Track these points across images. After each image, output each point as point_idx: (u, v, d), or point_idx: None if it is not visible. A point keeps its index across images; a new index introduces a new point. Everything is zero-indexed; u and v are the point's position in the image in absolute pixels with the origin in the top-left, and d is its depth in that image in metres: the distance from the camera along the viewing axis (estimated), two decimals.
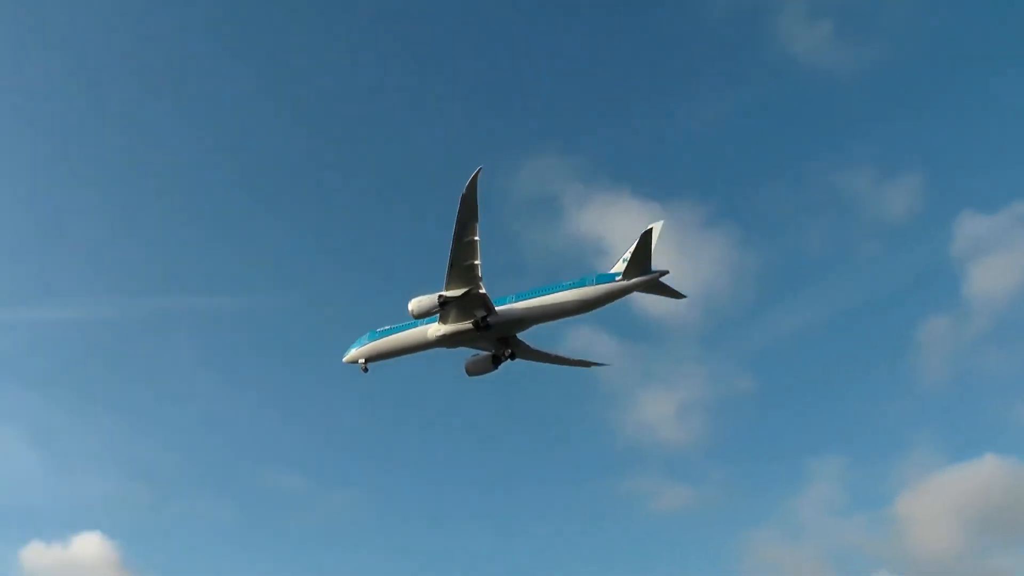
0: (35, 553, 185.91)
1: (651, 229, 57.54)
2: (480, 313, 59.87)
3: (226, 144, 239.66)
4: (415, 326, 65.58)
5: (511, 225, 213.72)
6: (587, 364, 70.31)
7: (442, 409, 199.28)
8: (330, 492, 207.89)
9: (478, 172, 54.83)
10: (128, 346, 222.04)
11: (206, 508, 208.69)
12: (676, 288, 61.19)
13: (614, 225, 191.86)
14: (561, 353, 68.81)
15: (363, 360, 67.14)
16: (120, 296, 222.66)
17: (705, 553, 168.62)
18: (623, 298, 61.70)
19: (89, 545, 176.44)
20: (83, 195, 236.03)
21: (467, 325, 60.83)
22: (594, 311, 61.33)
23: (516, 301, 61.78)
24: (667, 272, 59.34)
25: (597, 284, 59.17)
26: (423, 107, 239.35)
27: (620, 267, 60.16)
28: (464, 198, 55.46)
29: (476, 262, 57.80)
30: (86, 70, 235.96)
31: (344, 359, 69.60)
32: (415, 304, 60.50)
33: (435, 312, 60.75)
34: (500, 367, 66.25)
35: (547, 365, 65.78)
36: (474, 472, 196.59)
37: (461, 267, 57.82)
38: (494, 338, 63.92)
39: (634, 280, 57.87)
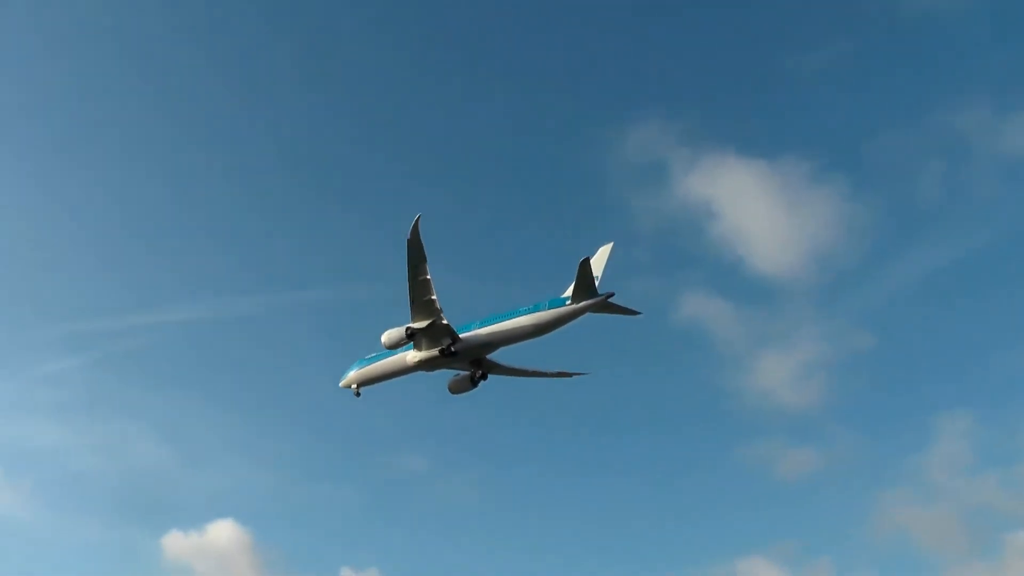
0: (175, 541, 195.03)
1: (587, 259, 61.55)
2: (446, 341, 64.07)
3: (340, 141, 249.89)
4: (396, 354, 69.96)
5: (620, 194, 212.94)
6: (567, 375, 73.81)
7: (555, 389, 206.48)
8: (451, 474, 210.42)
9: (417, 219, 59.69)
10: (247, 342, 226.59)
11: (332, 492, 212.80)
12: (628, 306, 65.22)
13: (722, 187, 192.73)
14: (538, 368, 71.73)
15: (355, 385, 72.27)
16: (236, 296, 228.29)
17: (834, 518, 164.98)
18: (580, 317, 65.07)
19: (224, 531, 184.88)
20: (194, 202, 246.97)
21: (435, 352, 65.05)
22: (554, 330, 64.73)
23: (480, 327, 65.49)
24: (613, 294, 62.85)
25: (550, 309, 62.49)
26: (519, 84, 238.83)
27: (598, 275, 63.82)
28: (409, 243, 60.55)
29: (433, 297, 62.56)
30: (234, 71, 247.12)
31: (340, 384, 74.17)
32: (386, 336, 65.23)
33: (404, 343, 65.65)
34: (479, 385, 70.63)
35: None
36: (591, 451, 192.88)
37: (421, 303, 62.50)
38: (466, 360, 67.94)
39: (583, 304, 61.07)
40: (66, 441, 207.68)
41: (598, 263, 63.69)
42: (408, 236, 60.09)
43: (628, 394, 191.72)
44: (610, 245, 64.30)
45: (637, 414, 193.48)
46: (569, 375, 73.88)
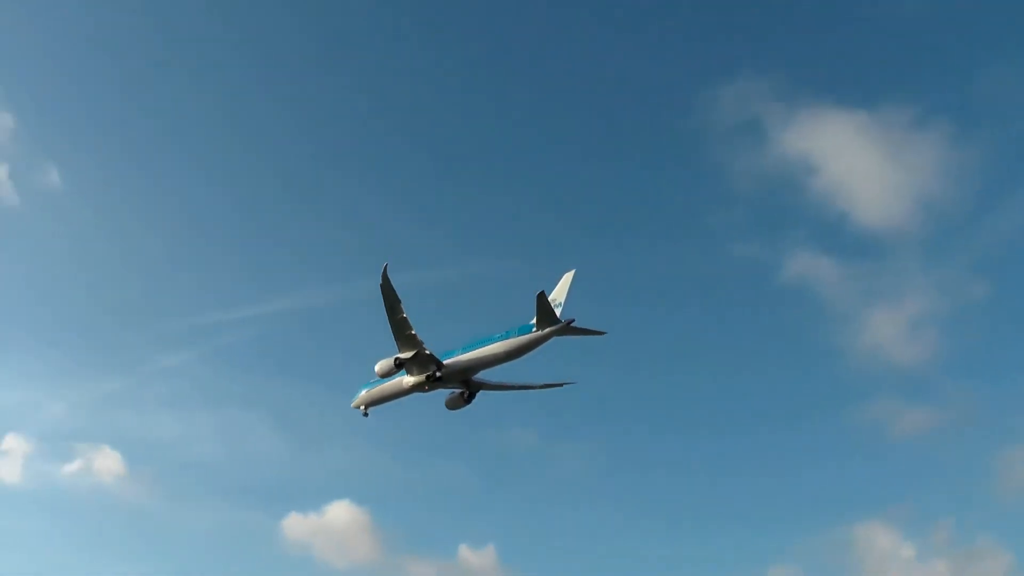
0: (294, 523, 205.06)
1: (543, 293, 66.79)
2: (431, 368, 70.97)
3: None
4: (395, 379, 76.83)
5: (716, 156, 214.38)
6: (555, 385, 79.09)
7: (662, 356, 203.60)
8: (561, 446, 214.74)
9: (385, 267, 66.64)
10: (356, 326, 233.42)
11: (445, 470, 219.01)
12: (593, 327, 70.24)
13: (821, 140, 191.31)
14: (525, 381, 78.07)
15: (364, 407, 79.56)
16: (335, 284, 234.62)
17: (955, 478, 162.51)
18: (550, 341, 70.45)
19: (341, 512, 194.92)
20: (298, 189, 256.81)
21: (423, 378, 72.24)
22: (525, 354, 70.56)
23: (461, 353, 71.99)
24: (573, 320, 67.84)
25: (519, 336, 67.97)
26: (611, 50, 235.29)
27: (559, 303, 69.06)
28: (382, 288, 67.12)
29: (412, 332, 69.22)
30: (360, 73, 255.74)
31: (351, 405, 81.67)
32: (379, 366, 72.31)
33: (395, 372, 72.37)
34: (471, 402, 76.90)
35: None
36: (702, 418, 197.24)
37: (403, 337, 69.15)
38: (455, 381, 74.61)
39: (547, 331, 66.23)
40: (186, 431, 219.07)
41: (561, 289, 68.80)
42: (380, 282, 66.95)
43: (737, 359, 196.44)
44: (572, 272, 69.86)
45: (747, 379, 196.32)
46: (557, 385, 78.90)
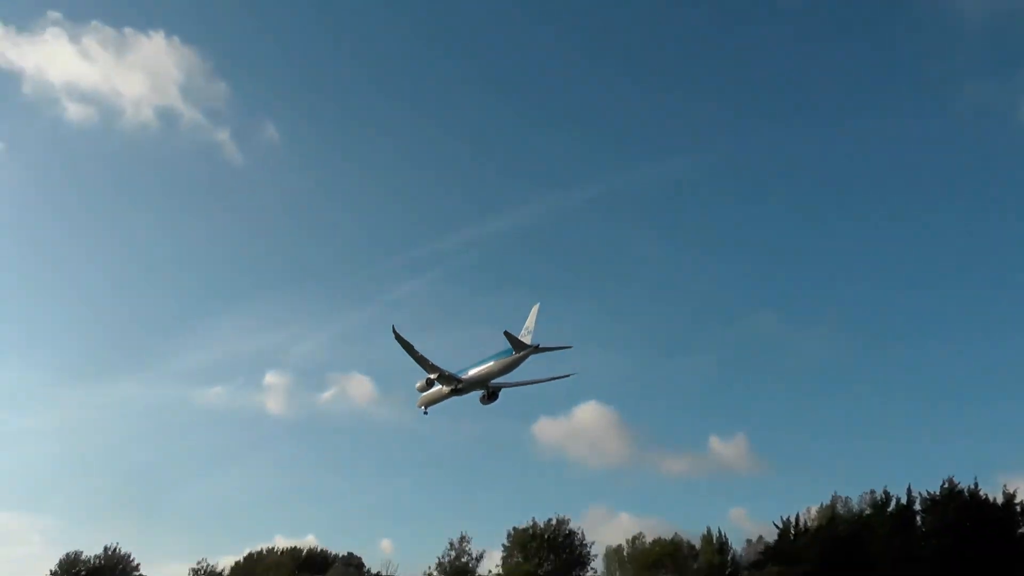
0: (545, 427, 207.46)
1: (507, 332, 76.27)
2: (454, 383, 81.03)
3: None
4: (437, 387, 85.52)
5: None
6: (558, 377, 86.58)
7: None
8: (806, 331, 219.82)
9: (393, 327, 77.23)
10: (574, 234, 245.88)
11: (688, 363, 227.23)
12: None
13: None
14: (536, 378, 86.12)
15: (424, 407, 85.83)
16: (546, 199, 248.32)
17: None
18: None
19: (589, 413, 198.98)
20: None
21: (449, 389, 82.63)
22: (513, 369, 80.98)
23: (472, 370, 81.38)
24: (539, 345, 77.67)
25: (505, 358, 78.13)
26: None
27: (526, 339, 78.68)
28: (397, 340, 77.80)
29: (431, 363, 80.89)
30: None
31: (416, 405, 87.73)
32: (418, 384, 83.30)
33: (430, 387, 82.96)
34: (496, 399, 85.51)
35: None
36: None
37: (427, 367, 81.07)
38: (477, 388, 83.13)
39: (522, 353, 76.73)
40: (429, 351, 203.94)
41: (531, 319, 78.48)
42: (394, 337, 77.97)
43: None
44: (537, 305, 79.35)
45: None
46: (561, 377, 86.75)
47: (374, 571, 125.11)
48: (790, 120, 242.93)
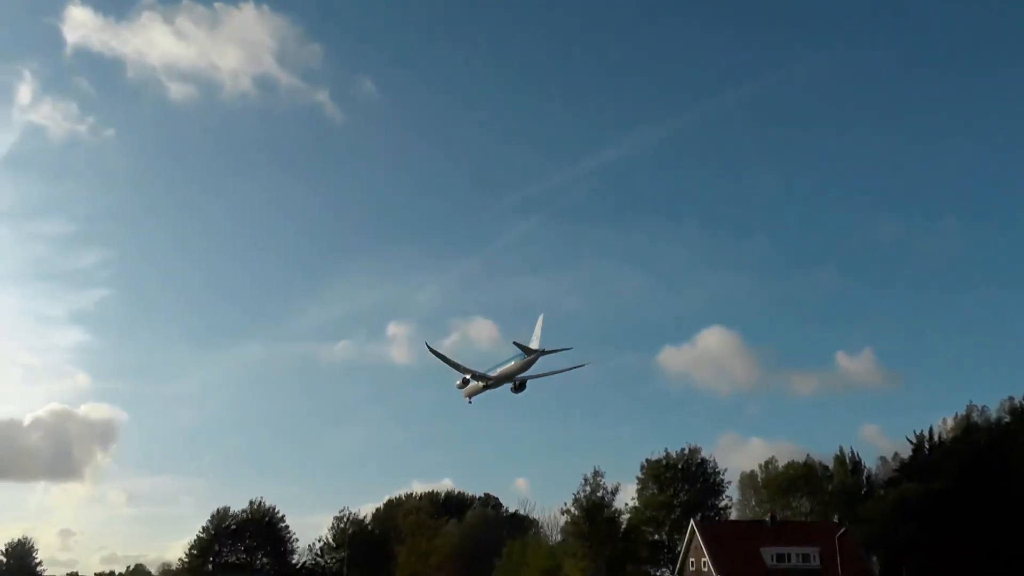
0: (669, 356, 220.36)
1: (516, 342, 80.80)
2: (486, 380, 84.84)
3: None
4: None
5: None
6: (574, 368, 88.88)
7: None
8: (929, 229, 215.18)
9: (426, 344, 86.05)
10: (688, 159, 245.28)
11: (809, 278, 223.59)
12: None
13: None
14: (553, 369, 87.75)
15: (469, 398, 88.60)
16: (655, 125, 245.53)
17: None
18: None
19: (713, 338, 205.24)
20: None
21: (483, 384, 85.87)
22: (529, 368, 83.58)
23: (497, 369, 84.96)
24: (544, 350, 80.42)
25: (521, 359, 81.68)
26: None
27: (534, 344, 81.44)
28: (433, 354, 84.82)
29: (462, 366, 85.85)
30: None
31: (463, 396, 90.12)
32: (457, 384, 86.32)
33: (466, 384, 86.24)
34: (524, 389, 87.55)
35: None
36: None
37: (462, 369, 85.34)
38: (505, 383, 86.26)
39: (532, 356, 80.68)
40: (549, 289, 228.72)
41: (537, 329, 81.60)
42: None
43: None
44: (542, 316, 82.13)
45: None
46: (576, 367, 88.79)
47: (511, 510, 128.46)
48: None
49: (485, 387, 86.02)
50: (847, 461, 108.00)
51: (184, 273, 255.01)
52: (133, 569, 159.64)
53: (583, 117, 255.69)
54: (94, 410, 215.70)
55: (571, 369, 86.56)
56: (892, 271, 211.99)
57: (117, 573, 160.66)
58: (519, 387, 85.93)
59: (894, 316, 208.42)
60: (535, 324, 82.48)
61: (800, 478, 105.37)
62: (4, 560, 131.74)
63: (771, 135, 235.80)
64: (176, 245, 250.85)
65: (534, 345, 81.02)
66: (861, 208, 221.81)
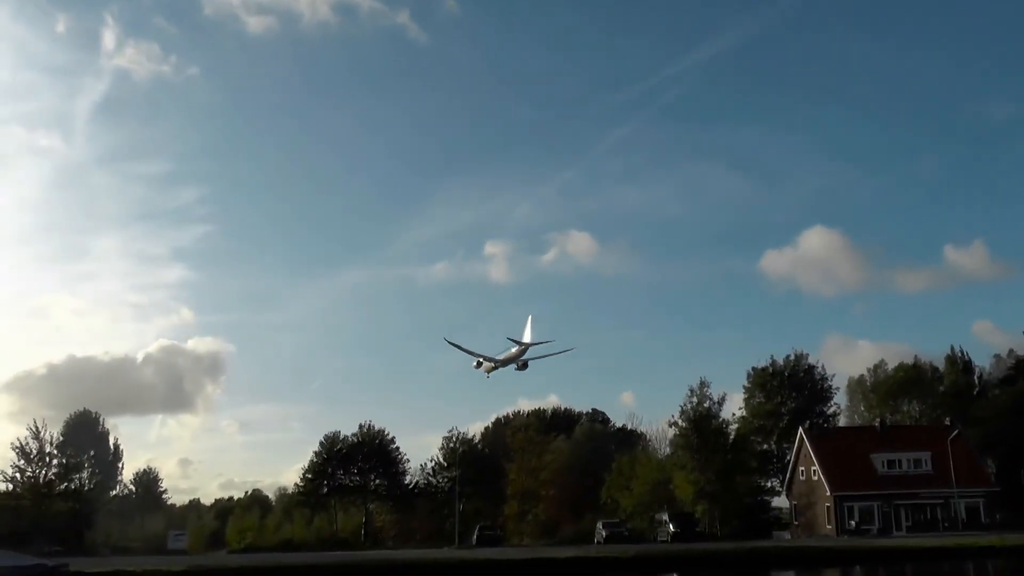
0: (772, 260, 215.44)
1: (509, 336, 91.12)
2: (494, 362, 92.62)
3: None
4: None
5: None
6: (566, 351, 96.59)
7: None
8: None
9: (445, 339, 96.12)
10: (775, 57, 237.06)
11: (915, 169, 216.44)
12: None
13: None
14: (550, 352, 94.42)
15: (487, 373, 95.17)
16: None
17: None
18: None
19: (816, 239, 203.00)
20: None
21: (494, 364, 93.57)
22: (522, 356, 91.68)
23: (503, 353, 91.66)
24: (532, 343, 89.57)
25: (519, 347, 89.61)
26: None
27: (526, 338, 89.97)
28: (452, 345, 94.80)
29: (473, 352, 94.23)
30: None
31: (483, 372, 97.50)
32: (473, 365, 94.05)
33: (479, 367, 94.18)
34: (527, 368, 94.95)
35: None
36: None
37: (475, 355, 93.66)
38: (512, 364, 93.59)
39: (522, 347, 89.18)
40: (646, 197, 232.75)
41: (528, 326, 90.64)
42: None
43: None
44: (530, 316, 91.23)
45: None
46: (566, 351, 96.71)
47: (618, 425, 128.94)
48: None
49: (494, 367, 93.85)
50: (958, 361, 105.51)
51: (278, 204, 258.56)
52: (250, 494, 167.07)
53: (682, 10, 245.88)
54: (201, 343, 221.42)
55: (562, 352, 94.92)
56: (1003, 155, 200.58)
57: (235, 498, 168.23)
58: (522, 367, 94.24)
59: (1006, 204, 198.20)
60: (525, 322, 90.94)
61: (910, 381, 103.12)
62: (134, 489, 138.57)
63: (875, 15, 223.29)
64: (269, 178, 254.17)
65: (525, 339, 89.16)
66: (969, 95, 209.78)
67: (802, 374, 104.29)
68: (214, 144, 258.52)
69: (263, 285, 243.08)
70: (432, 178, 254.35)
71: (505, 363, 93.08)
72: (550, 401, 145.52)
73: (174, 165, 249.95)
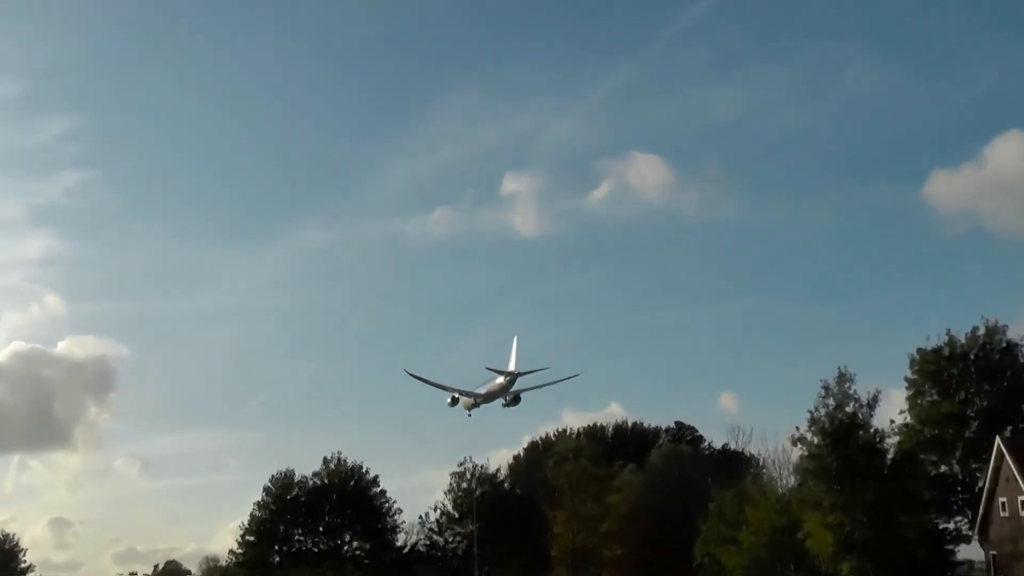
0: (941, 183, 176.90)
1: (487, 367, 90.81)
2: (474, 398, 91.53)
3: None
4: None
5: None
6: (568, 378, 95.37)
7: None
8: None
9: (406, 371, 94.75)
10: None
11: None
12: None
13: None
14: (549, 380, 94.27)
15: (467, 411, 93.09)
16: None
17: None
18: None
19: (1009, 149, 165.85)
20: None
21: (474, 400, 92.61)
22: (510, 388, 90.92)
23: (483, 387, 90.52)
24: (520, 371, 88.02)
25: (504, 379, 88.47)
26: None
27: (511, 366, 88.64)
28: (415, 378, 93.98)
29: (447, 387, 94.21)
30: None
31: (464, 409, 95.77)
32: (448, 401, 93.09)
33: (455, 403, 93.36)
34: (519, 402, 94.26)
35: None
36: None
37: (449, 390, 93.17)
38: (496, 399, 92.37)
39: (509, 378, 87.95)
40: (747, 97, 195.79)
41: (513, 350, 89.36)
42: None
43: None
44: (516, 337, 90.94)
45: None
46: (571, 377, 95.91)
47: (716, 444, 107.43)
48: None
49: (474, 404, 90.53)
50: None
51: (194, 134, 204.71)
52: (163, 569, 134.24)
53: None
54: (77, 346, 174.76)
55: (568, 379, 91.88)
56: None
57: (140, 575, 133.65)
58: (512, 401, 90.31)
59: None
60: (511, 346, 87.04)
61: None
62: None
63: None
64: (177, 93, 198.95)
65: (511, 367, 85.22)
66: None
67: (997, 356, 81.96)
68: (89, 50, 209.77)
69: (176, 257, 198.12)
70: (427, 83, 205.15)
71: (489, 398, 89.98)
72: (611, 413, 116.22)
73: (27, 84, 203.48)
